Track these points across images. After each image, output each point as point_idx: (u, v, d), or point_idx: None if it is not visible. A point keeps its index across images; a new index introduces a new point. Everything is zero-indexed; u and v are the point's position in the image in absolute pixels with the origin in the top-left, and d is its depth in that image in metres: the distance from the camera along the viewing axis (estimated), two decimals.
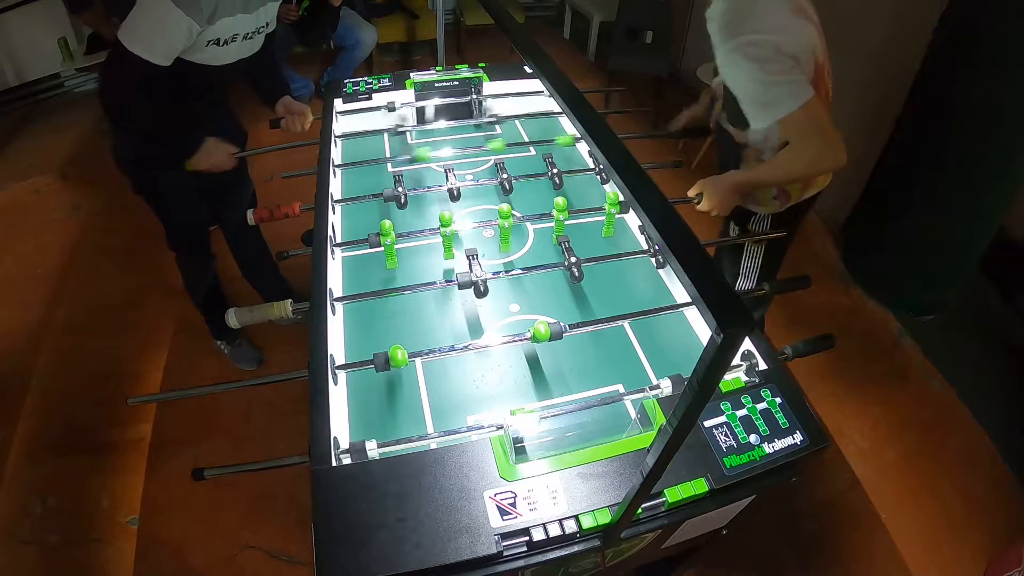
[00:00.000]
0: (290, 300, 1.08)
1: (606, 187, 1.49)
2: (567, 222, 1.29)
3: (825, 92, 1.31)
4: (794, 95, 1.17)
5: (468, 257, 1.14)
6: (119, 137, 1.57)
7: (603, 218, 1.35)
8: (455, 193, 1.41)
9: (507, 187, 1.42)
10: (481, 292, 1.11)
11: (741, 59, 1.18)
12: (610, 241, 1.35)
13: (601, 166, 1.49)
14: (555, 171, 1.47)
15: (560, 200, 1.24)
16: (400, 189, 1.37)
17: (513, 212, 1.26)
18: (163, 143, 1.51)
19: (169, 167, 1.57)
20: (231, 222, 1.91)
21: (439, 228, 1.24)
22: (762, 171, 1.36)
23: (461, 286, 1.11)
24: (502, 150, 1.49)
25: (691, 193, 1.40)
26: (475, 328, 1.13)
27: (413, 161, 1.49)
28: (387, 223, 1.20)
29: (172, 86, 1.36)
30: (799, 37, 1.20)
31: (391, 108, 1.69)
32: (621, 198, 1.30)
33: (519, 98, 1.80)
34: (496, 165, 1.48)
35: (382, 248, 1.23)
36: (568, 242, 1.21)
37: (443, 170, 1.47)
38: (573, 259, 1.17)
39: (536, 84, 1.81)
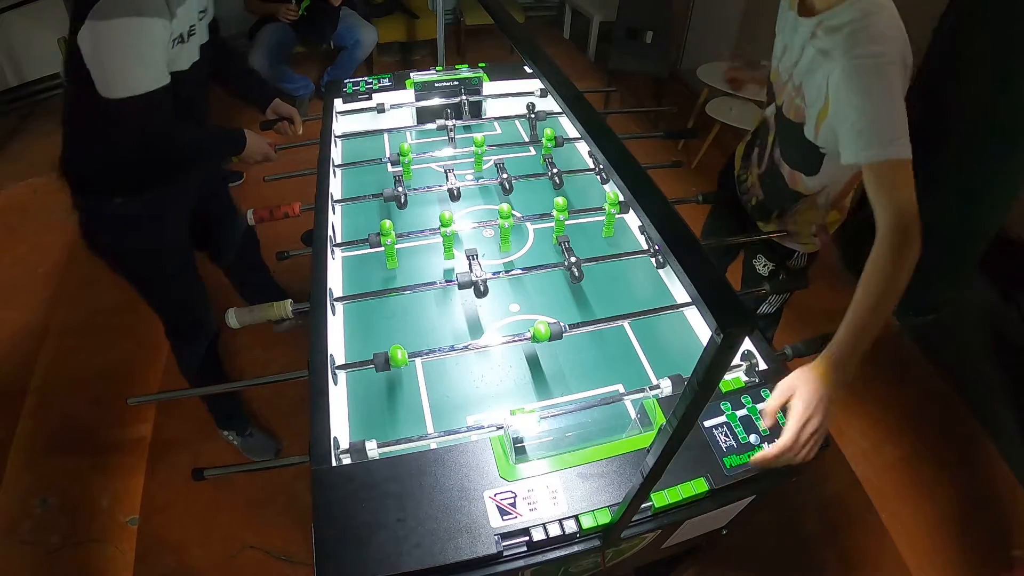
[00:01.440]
0: (290, 300, 1.08)
1: (606, 187, 1.49)
2: (567, 222, 1.29)
3: None
4: (904, 138, 0.93)
5: (468, 257, 1.14)
6: (95, 208, 1.34)
7: (603, 218, 1.35)
8: (455, 193, 1.41)
9: (507, 187, 1.42)
10: (481, 292, 1.11)
11: (876, 76, 0.94)
12: (610, 241, 1.35)
13: (601, 166, 1.50)
14: (555, 171, 1.47)
15: (560, 200, 1.24)
16: (400, 189, 1.37)
17: (513, 212, 1.26)
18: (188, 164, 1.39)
19: (160, 224, 1.39)
20: (227, 260, 1.79)
21: (439, 228, 1.24)
22: (862, 312, 0.91)
23: (461, 286, 1.11)
24: (482, 144, 1.49)
25: (769, 410, 0.89)
26: (475, 328, 1.13)
27: (399, 164, 1.48)
28: (387, 223, 1.20)
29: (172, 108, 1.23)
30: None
31: (381, 110, 1.69)
32: (621, 198, 1.30)
33: (518, 98, 1.80)
34: (496, 165, 1.48)
35: (382, 248, 1.23)
36: (568, 242, 1.21)
37: (443, 170, 1.47)
38: (573, 259, 1.17)
39: (536, 84, 1.81)
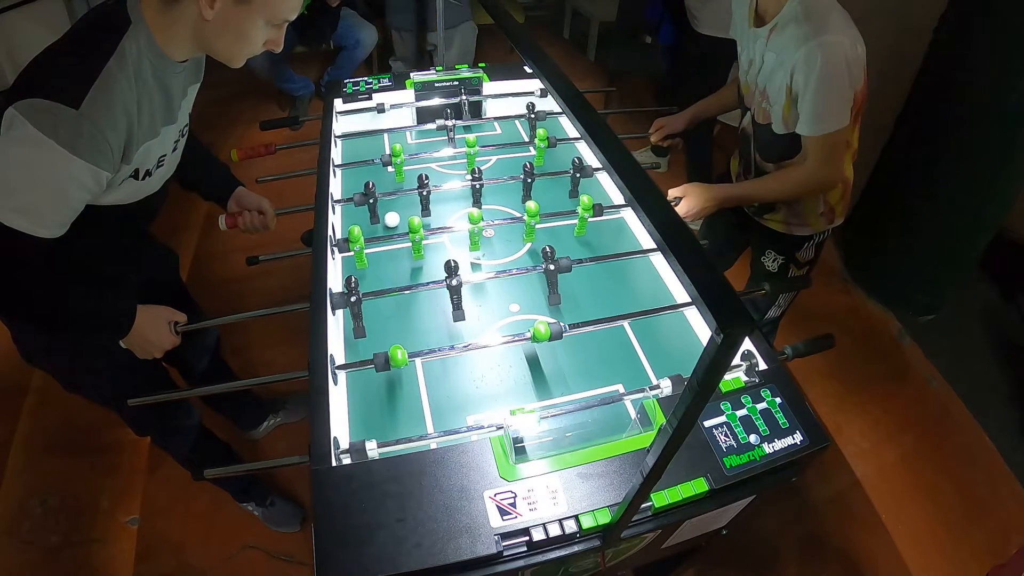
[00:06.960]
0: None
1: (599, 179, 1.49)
2: (591, 219, 1.30)
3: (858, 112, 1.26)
4: (845, 113, 1.18)
5: (449, 269, 1.10)
6: (22, 329, 1.11)
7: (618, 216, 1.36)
8: (424, 201, 1.38)
9: (476, 191, 1.38)
10: (458, 309, 1.10)
11: (825, 59, 1.12)
12: (610, 240, 1.36)
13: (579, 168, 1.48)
14: (531, 180, 1.42)
15: (586, 198, 1.25)
16: (372, 197, 1.33)
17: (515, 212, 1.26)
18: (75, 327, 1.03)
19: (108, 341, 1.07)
20: (196, 369, 1.53)
21: (443, 228, 1.23)
22: (758, 186, 1.35)
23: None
24: (474, 144, 1.47)
25: (673, 194, 1.38)
26: (475, 328, 1.13)
27: (391, 165, 1.47)
28: (355, 229, 1.17)
29: (73, 247, 0.91)
30: (863, 55, 1.18)
31: (381, 110, 1.69)
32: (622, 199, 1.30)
33: (518, 98, 1.80)
34: (475, 170, 1.39)
35: (383, 248, 1.23)
36: (550, 253, 1.14)
37: (444, 172, 1.47)
38: (551, 267, 1.13)
39: (536, 84, 1.81)
